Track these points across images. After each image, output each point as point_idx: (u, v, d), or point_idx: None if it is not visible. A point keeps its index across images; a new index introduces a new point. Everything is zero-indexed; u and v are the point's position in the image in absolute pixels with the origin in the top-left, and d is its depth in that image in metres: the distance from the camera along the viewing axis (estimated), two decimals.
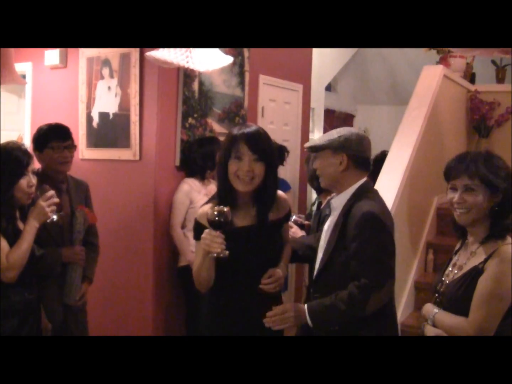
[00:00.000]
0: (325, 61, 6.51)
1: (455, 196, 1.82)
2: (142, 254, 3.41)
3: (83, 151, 3.60)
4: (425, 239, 4.12)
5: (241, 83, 3.99)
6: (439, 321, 1.84)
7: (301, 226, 2.66)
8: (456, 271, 1.87)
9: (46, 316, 2.49)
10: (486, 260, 1.76)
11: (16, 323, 2.20)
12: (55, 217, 2.30)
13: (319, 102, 6.74)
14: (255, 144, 1.93)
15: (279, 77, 4.48)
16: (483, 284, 1.74)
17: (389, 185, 3.45)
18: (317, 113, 6.81)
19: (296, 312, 1.96)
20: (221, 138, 3.15)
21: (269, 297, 2.00)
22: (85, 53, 3.58)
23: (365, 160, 2.09)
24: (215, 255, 1.81)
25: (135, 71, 3.35)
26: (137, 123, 3.36)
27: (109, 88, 3.48)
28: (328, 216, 2.17)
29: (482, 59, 5.47)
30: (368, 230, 1.94)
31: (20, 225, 2.26)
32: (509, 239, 1.79)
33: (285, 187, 4.16)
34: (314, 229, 2.51)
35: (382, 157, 4.03)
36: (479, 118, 5.21)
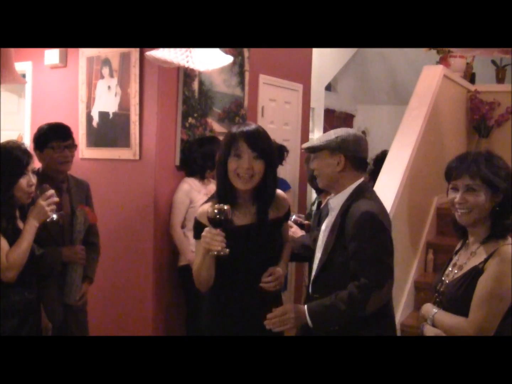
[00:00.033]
0: (325, 61, 6.50)
1: (457, 196, 1.82)
2: (142, 254, 3.41)
3: (83, 151, 3.60)
4: (425, 239, 4.12)
5: (241, 83, 3.99)
6: (438, 321, 1.84)
7: (301, 226, 2.66)
8: (456, 271, 1.87)
9: (46, 316, 2.49)
10: (486, 260, 1.76)
11: (16, 323, 2.20)
12: (55, 216, 2.30)
13: (319, 102, 6.74)
14: (255, 142, 1.93)
15: (279, 76, 4.48)
16: (483, 284, 1.74)
17: (389, 185, 3.45)
18: (317, 113, 6.81)
19: (296, 313, 1.96)
20: (221, 138, 3.15)
21: (269, 296, 2.00)
22: (85, 53, 3.57)
23: (362, 161, 2.09)
24: (215, 253, 1.81)
25: (135, 71, 3.35)
26: (137, 123, 3.36)
27: (109, 87, 3.48)
28: (326, 216, 2.17)
29: (482, 59, 5.46)
30: (367, 229, 1.94)
31: (20, 224, 2.25)
32: (509, 239, 1.79)
33: (285, 186, 4.15)
34: (314, 229, 2.51)
35: (382, 157, 4.02)
36: (479, 118, 5.21)
